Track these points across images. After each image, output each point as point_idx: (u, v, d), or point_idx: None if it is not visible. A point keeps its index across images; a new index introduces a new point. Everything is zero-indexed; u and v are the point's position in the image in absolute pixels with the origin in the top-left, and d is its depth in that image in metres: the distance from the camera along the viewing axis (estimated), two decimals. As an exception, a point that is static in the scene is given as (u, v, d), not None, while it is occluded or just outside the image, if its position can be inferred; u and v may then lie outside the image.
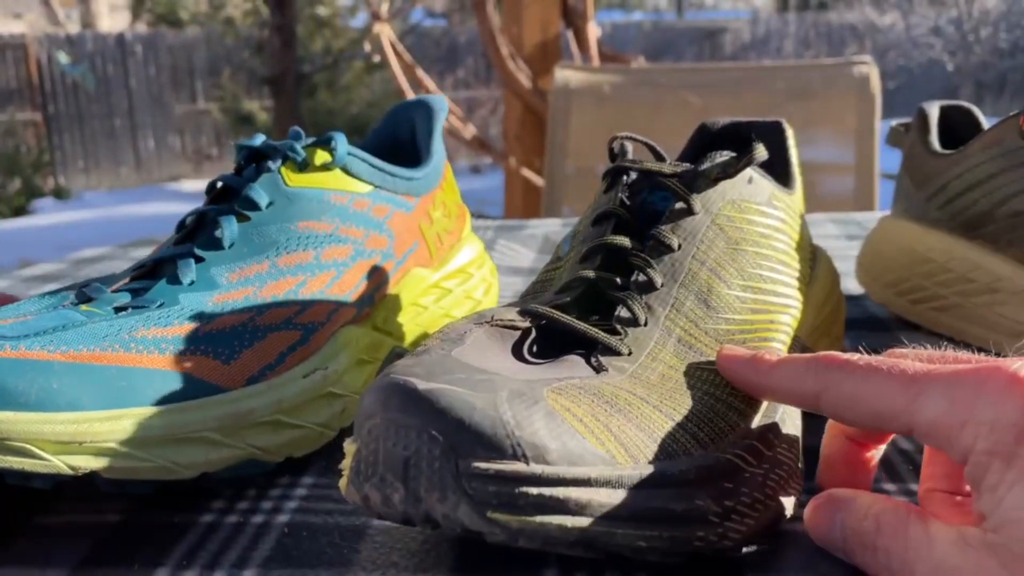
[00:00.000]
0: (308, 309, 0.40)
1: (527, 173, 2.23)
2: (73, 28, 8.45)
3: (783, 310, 0.37)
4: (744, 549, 0.29)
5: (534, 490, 0.25)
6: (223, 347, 0.37)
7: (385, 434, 0.26)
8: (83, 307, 0.37)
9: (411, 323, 0.47)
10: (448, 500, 0.25)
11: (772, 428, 0.32)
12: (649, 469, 0.27)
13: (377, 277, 0.45)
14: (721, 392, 0.32)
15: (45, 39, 6.76)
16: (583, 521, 0.25)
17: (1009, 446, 0.24)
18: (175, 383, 0.35)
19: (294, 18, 5.99)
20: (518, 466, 0.25)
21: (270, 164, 0.43)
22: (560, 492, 0.25)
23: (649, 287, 0.34)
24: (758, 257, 0.37)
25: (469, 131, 2.40)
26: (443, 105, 0.53)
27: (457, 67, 7.67)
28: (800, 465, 0.33)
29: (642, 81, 1.80)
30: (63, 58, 6.65)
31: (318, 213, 0.42)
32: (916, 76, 7.80)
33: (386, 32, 2.29)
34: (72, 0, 9.22)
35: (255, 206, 0.41)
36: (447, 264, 0.51)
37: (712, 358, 0.33)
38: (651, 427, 0.29)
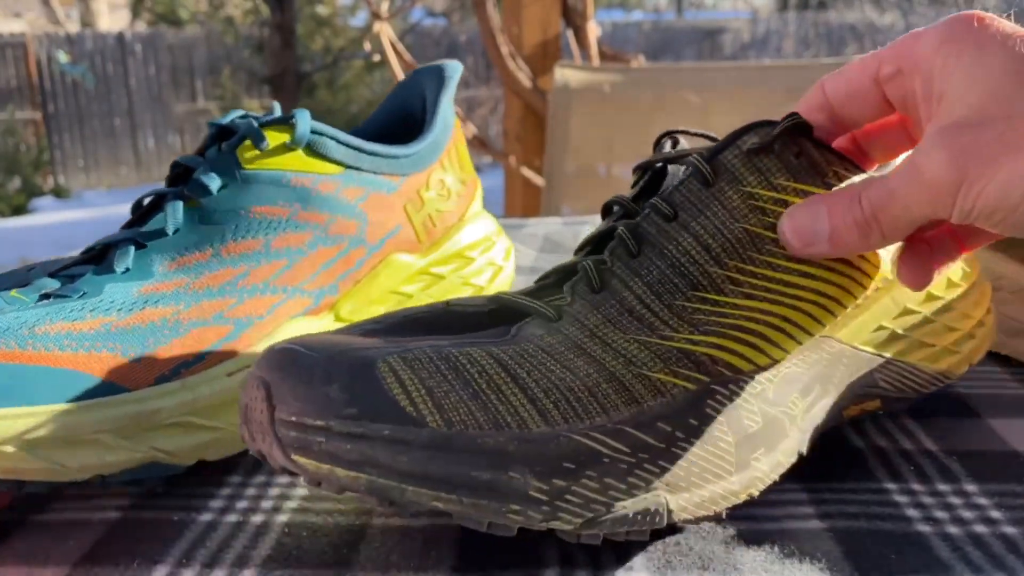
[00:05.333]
0: (245, 302, 0.38)
1: (527, 172, 2.23)
2: (73, 27, 8.44)
3: (796, 304, 0.33)
4: (601, 537, 0.29)
5: (324, 441, 0.28)
6: (135, 344, 0.35)
7: (247, 384, 0.30)
8: (12, 292, 0.35)
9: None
10: (267, 440, 0.29)
11: (679, 421, 0.30)
12: (459, 435, 0.28)
13: (341, 265, 0.42)
14: (623, 371, 0.31)
15: (45, 38, 6.76)
16: (371, 473, 0.28)
17: (954, 40, 0.30)
18: (71, 382, 0.33)
19: (294, 17, 5.99)
20: (309, 418, 0.28)
21: (224, 145, 0.40)
22: (347, 445, 0.28)
23: (623, 256, 0.33)
24: (776, 243, 0.32)
25: (469, 130, 2.40)
26: (455, 69, 0.49)
27: (457, 66, 7.65)
28: (731, 468, 0.31)
29: (642, 81, 1.80)
30: (63, 57, 6.65)
31: (274, 197, 0.40)
32: (916, 76, 7.75)
33: (386, 31, 2.28)
34: (72, -1, 9.21)
35: (205, 190, 0.39)
36: (440, 248, 0.47)
37: (665, 333, 0.31)
38: (491, 398, 0.29)
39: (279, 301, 0.39)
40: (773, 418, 0.33)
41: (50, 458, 0.32)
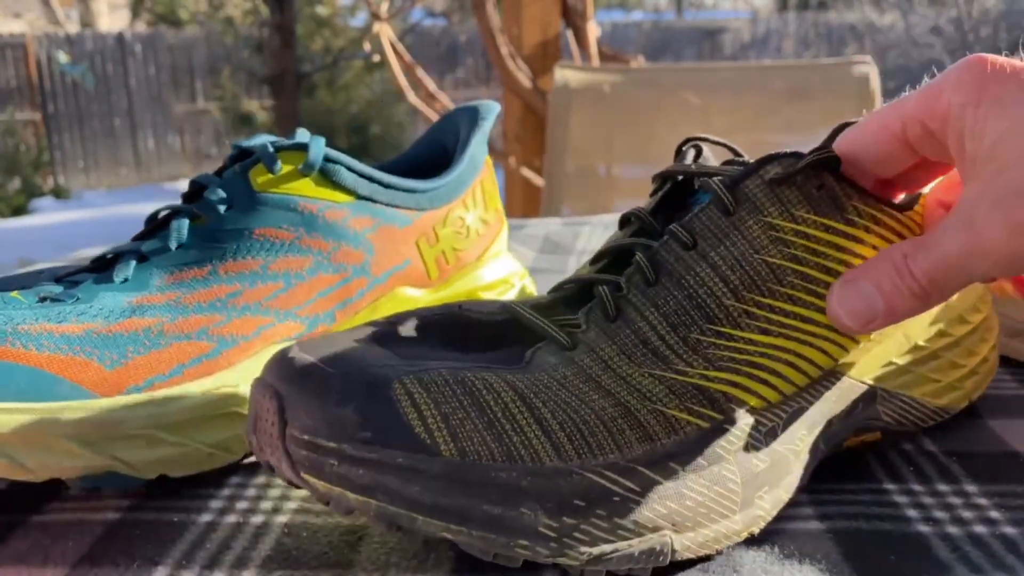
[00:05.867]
0: (233, 321, 0.38)
1: (527, 173, 2.23)
2: (73, 27, 8.44)
3: (810, 340, 0.33)
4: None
5: (336, 463, 0.28)
6: (113, 351, 0.35)
7: (254, 391, 0.30)
8: (14, 293, 0.36)
9: None
10: (276, 455, 0.29)
11: (690, 460, 0.30)
12: (472, 467, 0.28)
13: (341, 293, 0.41)
14: (639, 406, 0.30)
15: (45, 38, 6.76)
16: (382, 500, 0.28)
17: (975, 91, 0.29)
18: (39, 382, 0.33)
19: (294, 17, 5.99)
20: (322, 439, 0.28)
21: (239, 166, 0.41)
22: (360, 469, 0.28)
23: (640, 284, 0.32)
24: (797, 276, 0.32)
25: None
26: (491, 110, 0.49)
27: (457, 67, 7.67)
28: (736, 508, 0.31)
29: (642, 81, 1.80)
30: (63, 57, 6.65)
31: (279, 220, 0.40)
32: (916, 75, 7.76)
33: (386, 32, 2.28)
34: (71, -1, 9.21)
35: (212, 208, 0.40)
36: (451, 285, 0.47)
37: (680, 368, 0.31)
38: (506, 428, 0.29)
39: (268, 324, 0.39)
40: (780, 456, 0.32)
41: (8, 455, 0.32)
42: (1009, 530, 0.32)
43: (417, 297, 0.45)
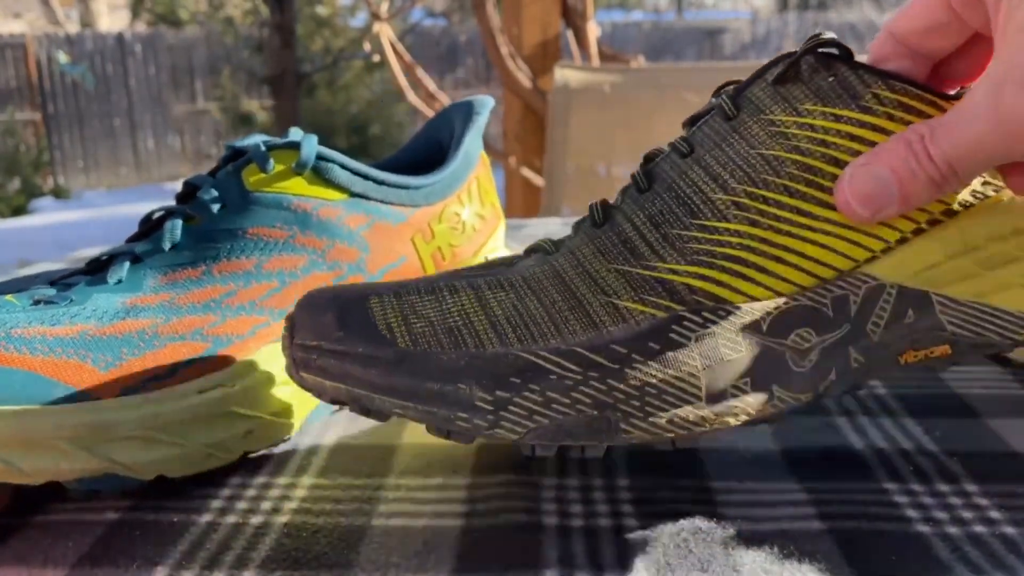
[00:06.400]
0: (227, 321, 0.38)
1: (527, 173, 2.23)
2: (72, 27, 8.44)
3: (811, 236, 0.31)
4: (541, 448, 0.32)
5: (316, 357, 0.33)
6: (107, 353, 0.35)
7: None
8: (8, 296, 0.36)
9: None
10: (287, 359, 0.34)
11: (636, 345, 0.31)
12: (421, 354, 0.32)
13: None
14: (591, 299, 0.32)
15: (44, 38, 6.76)
16: (349, 384, 0.32)
17: None
18: (34, 385, 0.33)
19: (294, 17, 5.99)
20: (309, 340, 0.33)
21: (231, 166, 0.41)
22: (332, 360, 0.32)
23: (632, 193, 0.34)
24: (798, 167, 0.31)
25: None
26: (485, 105, 0.49)
27: (457, 67, 7.67)
28: (699, 394, 0.31)
29: (642, 81, 1.80)
30: (62, 57, 6.65)
31: (273, 220, 0.40)
32: (916, 76, 7.78)
33: (386, 32, 2.28)
34: (71, -1, 9.21)
35: (206, 208, 0.40)
36: None
37: (650, 263, 0.32)
38: (458, 323, 0.32)
39: (263, 323, 0.39)
40: (766, 350, 0.31)
41: (4, 459, 0.32)
42: (1009, 530, 0.32)
43: None
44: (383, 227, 0.43)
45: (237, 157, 0.42)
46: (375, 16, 2.30)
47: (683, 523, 0.32)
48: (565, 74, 1.77)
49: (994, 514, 0.33)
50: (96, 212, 5.76)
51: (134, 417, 0.34)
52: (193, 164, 7.28)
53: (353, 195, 0.42)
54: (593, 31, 2.29)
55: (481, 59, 7.29)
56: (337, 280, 0.41)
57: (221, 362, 0.37)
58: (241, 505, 0.35)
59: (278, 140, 0.42)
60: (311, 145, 0.41)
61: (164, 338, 0.36)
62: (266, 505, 0.35)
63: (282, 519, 0.33)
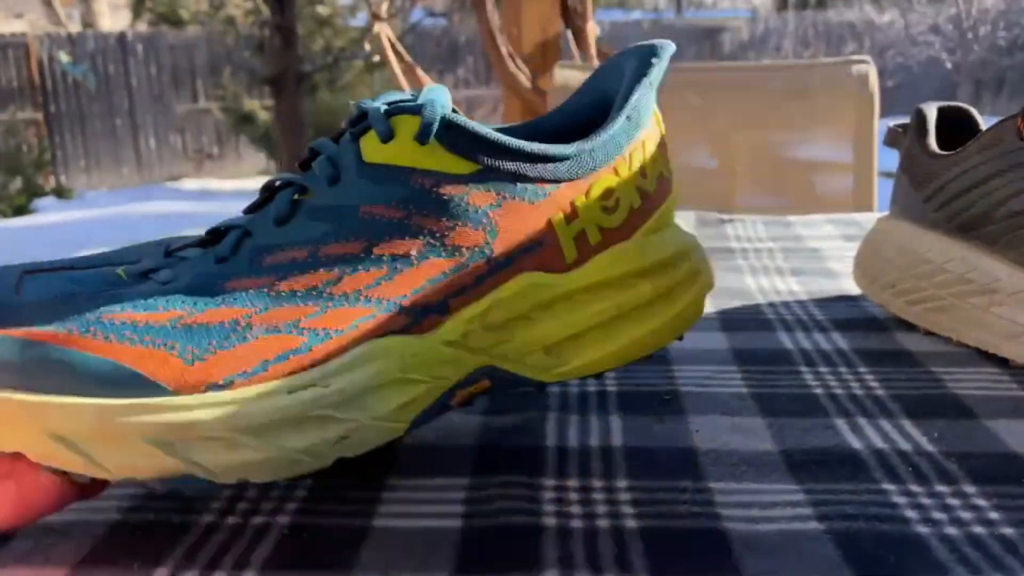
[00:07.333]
0: (327, 312, 0.33)
1: (527, 172, 2.23)
2: (74, 27, 8.44)
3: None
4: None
5: None
6: (195, 344, 0.32)
7: None
8: (120, 269, 0.34)
9: (515, 338, 0.37)
10: None
11: None
12: None
13: (456, 280, 0.35)
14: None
15: (46, 38, 6.76)
16: None
17: None
18: (118, 376, 0.31)
19: (294, 17, 5.99)
20: None
21: (351, 131, 0.35)
22: None
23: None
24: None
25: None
26: (665, 49, 0.40)
27: (457, 66, 7.67)
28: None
29: (642, 80, 1.79)
30: (64, 57, 6.65)
31: (388, 196, 0.34)
32: (915, 74, 7.80)
33: (386, 31, 2.29)
34: (72, -1, 9.21)
35: (317, 181, 0.35)
36: (594, 269, 0.38)
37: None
38: None
39: (367, 315, 0.34)
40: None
41: (85, 453, 0.30)
42: (1008, 531, 0.32)
43: (550, 283, 0.37)
44: (515, 206, 0.36)
45: (361, 120, 0.36)
46: (375, 16, 2.30)
47: (683, 523, 0.32)
48: (565, 74, 1.77)
49: (993, 515, 0.33)
50: (98, 212, 5.76)
51: (214, 416, 0.31)
52: (194, 164, 7.28)
53: (483, 168, 0.35)
54: (593, 31, 2.29)
55: (481, 59, 7.29)
56: (456, 269, 0.35)
57: (315, 359, 0.33)
58: (242, 506, 0.35)
59: (402, 100, 0.36)
60: (434, 108, 0.35)
61: (257, 330, 0.32)
62: (267, 506, 0.35)
63: (283, 520, 0.34)
